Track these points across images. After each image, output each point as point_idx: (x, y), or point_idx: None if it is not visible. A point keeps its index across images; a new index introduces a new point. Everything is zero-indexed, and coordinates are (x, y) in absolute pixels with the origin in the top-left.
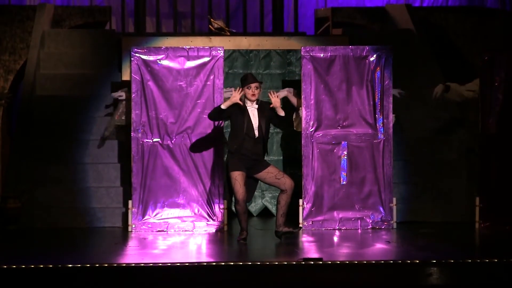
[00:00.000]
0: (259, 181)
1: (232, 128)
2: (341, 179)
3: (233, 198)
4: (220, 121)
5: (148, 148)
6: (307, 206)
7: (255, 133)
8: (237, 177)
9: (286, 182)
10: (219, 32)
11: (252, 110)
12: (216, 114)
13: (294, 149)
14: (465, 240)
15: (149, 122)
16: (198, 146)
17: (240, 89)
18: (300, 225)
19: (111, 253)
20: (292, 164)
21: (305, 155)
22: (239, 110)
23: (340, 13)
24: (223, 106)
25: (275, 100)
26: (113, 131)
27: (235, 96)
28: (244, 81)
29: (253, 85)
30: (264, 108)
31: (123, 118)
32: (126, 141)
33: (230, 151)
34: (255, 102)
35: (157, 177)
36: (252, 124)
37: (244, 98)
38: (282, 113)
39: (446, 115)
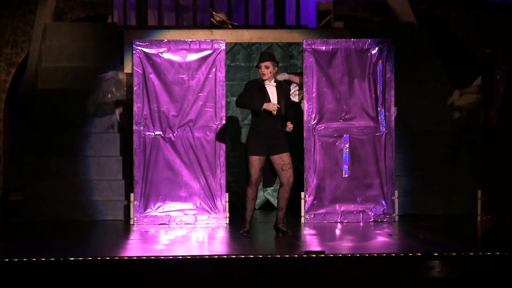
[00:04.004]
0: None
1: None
2: (343, 172)
3: (247, 181)
4: (222, 115)
5: (150, 141)
6: (309, 199)
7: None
8: (254, 162)
9: (286, 176)
10: (221, 25)
11: (271, 88)
12: (247, 104)
13: (296, 142)
14: (467, 233)
15: (151, 115)
16: (200, 139)
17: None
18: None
19: (113, 246)
20: (294, 157)
21: (307, 148)
22: (258, 88)
23: (342, 6)
24: (259, 109)
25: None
26: (99, 109)
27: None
28: (258, 60)
29: (262, 64)
30: (283, 88)
31: (108, 96)
32: (128, 134)
33: (253, 130)
34: (272, 81)
35: (159, 170)
36: (271, 102)
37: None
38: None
39: (448, 108)
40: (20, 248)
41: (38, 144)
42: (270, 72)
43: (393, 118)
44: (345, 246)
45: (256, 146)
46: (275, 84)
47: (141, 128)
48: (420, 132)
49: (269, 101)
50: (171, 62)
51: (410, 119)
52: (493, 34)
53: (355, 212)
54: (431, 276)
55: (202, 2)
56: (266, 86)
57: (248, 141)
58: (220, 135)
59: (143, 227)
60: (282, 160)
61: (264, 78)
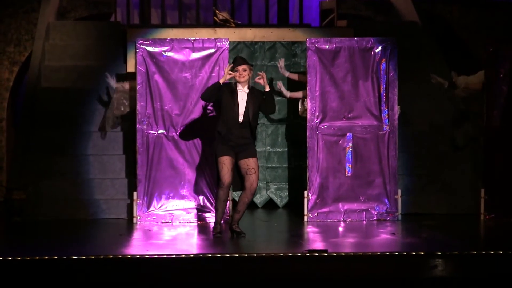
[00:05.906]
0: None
1: (221, 111)
2: (346, 171)
3: (218, 183)
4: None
5: (153, 140)
6: (312, 197)
7: (240, 118)
8: (225, 161)
9: (249, 181)
10: (224, 24)
11: (242, 94)
12: (213, 91)
13: (299, 141)
14: (470, 232)
15: (154, 113)
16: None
17: (230, 65)
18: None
19: (116, 245)
20: (298, 156)
21: (310, 147)
22: (229, 93)
23: (345, 4)
24: (221, 81)
25: (262, 76)
26: (116, 122)
27: (226, 72)
28: (233, 64)
29: (240, 67)
30: (255, 94)
31: (121, 109)
32: (131, 132)
33: (220, 134)
34: (246, 86)
35: (162, 169)
36: (239, 109)
37: (235, 81)
38: (267, 88)
39: (451, 107)
40: (23, 247)
41: (41, 143)
42: (248, 75)
43: (396, 117)
44: (348, 244)
45: (224, 149)
46: (247, 90)
47: (144, 126)
48: (423, 131)
49: (237, 106)
50: (174, 61)
51: (413, 117)
52: (496, 32)
53: (358, 211)
54: (434, 275)
55: (205, 1)
56: (238, 91)
57: (215, 146)
58: None
59: (146, 226)
60: (247, 164)
61: (242, 80)
